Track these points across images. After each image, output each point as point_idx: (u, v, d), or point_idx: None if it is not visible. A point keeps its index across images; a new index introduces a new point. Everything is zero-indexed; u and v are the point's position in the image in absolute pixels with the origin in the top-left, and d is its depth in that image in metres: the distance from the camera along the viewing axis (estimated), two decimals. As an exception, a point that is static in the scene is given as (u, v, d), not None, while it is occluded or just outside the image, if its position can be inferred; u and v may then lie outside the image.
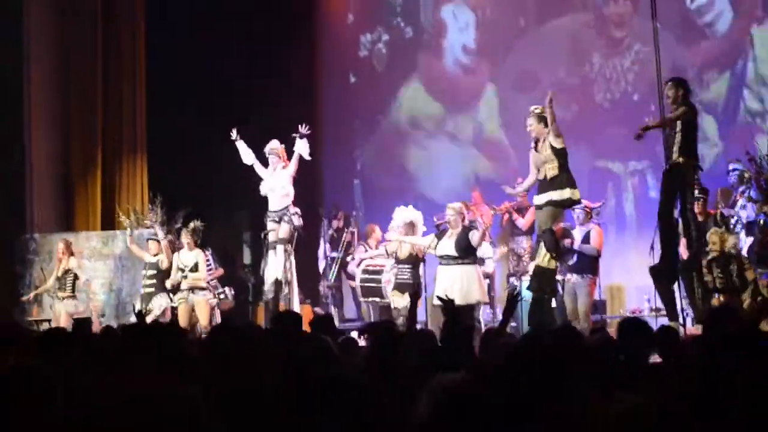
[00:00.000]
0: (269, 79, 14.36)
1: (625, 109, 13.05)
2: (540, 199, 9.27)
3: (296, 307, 11.00)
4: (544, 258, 9.19)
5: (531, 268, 9.49)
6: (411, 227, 10.56)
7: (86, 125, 13.80)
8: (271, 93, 14.24)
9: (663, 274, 8.67)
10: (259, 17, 14.39)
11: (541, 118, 9.23)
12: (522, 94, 13.53)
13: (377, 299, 11.60)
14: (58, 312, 11.47)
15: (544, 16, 14.11)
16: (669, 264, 8.63)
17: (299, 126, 10.99)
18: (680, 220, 8.63)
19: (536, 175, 9.32)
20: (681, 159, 8.61)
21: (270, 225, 11.05)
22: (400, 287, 10.54)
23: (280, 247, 10.97)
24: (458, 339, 4.77)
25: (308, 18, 15.41)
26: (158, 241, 11.67)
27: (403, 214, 10.67)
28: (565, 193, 9.12)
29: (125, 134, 13.87)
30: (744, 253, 9.80)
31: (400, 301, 10.35)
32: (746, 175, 9.95)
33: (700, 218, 9.72)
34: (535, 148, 9.30)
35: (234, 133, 11.25)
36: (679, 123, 8.61)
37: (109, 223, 13.43)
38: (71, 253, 11.77)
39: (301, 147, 10.98)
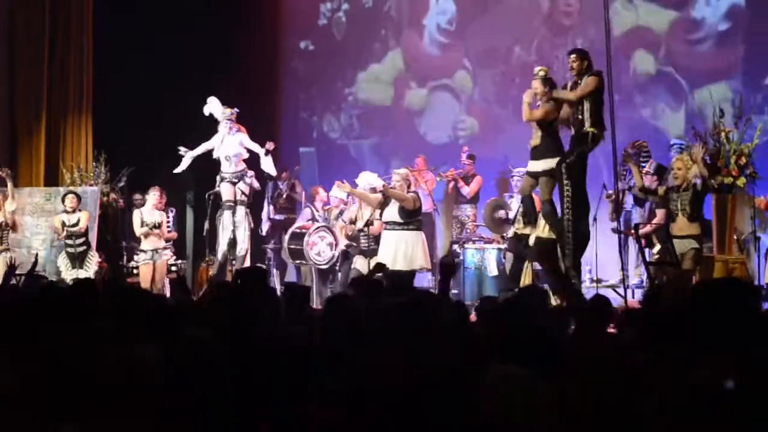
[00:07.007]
0: (222, 44, 14.25)
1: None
2: (532, 165, 9.28)
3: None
4: (544, 229, 9.22)
5: (532, 239, 9.36)
6: (373, 193, 10.53)
7: (32, 81, 13.60)
8: (225, 57, 14.15)
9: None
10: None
11: (546, 81, 9.12)
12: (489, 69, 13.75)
13: (303, 261, 11.78)
14: None
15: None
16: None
17: (265, 143, 11.36)
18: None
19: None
20: (592, 128, 8.77)
21: (224, 186, 11.38)
22: (364, 253, 10.70)
23: (241, 209, 11.36)
24: None
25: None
26: (77, 196, 11.57)
27: (369, 178, 10.69)
28: (549, 163, 9.03)
29: (71, 91, 13.69)
30: None
31: (363, 266, 10.49)
32: (694, 150, 9.95)
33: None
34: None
35: (182, 150, 11.54)
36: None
37: (53, 179, 13.31)
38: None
39: (268, 166, 11.45)
